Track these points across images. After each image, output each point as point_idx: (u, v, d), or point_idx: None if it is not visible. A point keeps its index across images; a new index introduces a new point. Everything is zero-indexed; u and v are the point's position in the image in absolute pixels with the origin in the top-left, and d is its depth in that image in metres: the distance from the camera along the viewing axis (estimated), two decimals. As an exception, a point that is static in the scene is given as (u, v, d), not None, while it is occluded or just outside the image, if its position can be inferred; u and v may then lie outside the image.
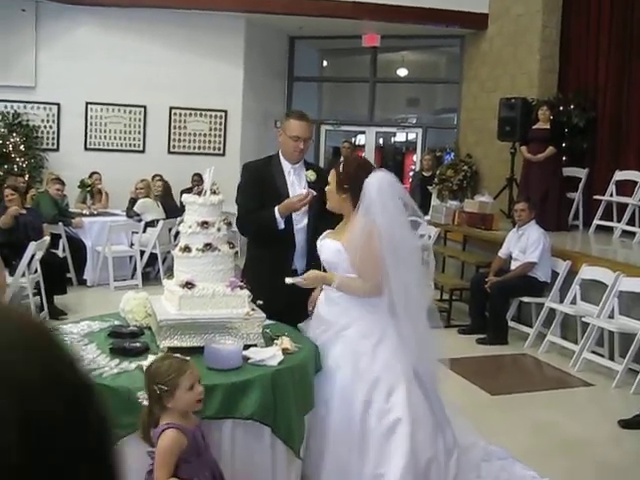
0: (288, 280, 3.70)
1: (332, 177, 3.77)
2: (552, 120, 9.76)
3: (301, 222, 4.47)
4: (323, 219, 4.29)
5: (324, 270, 3.86)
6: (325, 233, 3.82)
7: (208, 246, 3.54)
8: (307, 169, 4.54)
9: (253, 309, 3.54)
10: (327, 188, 3.81)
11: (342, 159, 3.98)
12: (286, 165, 4.53)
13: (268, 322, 3.66)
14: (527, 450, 4.76)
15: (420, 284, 3.76)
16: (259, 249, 4.54)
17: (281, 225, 4.34)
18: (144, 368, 3.09)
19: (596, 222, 9.78)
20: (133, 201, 10.75)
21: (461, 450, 3.83)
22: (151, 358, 3.19)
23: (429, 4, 11.61)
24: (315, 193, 4.27)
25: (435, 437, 3.62)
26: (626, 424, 5.39)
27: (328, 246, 3.72)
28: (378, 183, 3.60)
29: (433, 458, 3.56)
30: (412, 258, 3.71)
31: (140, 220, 10.11)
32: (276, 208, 4.30)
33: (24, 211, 8.24)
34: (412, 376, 3.60)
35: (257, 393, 3.08)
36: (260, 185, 4.48)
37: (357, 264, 3.59)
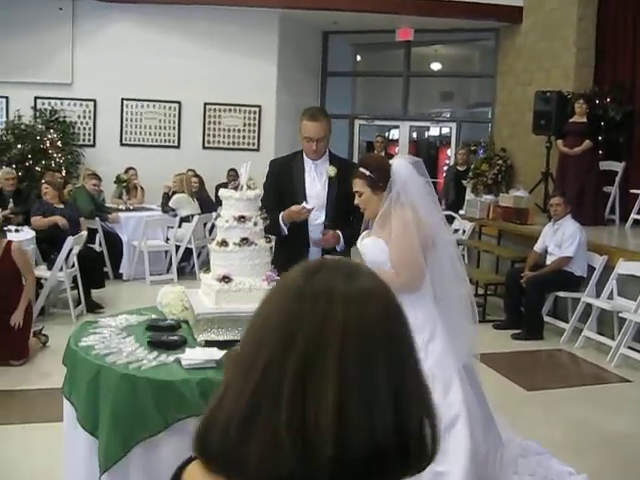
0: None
1: (360, 185, 3.70)
2: (589, 114, 9.65)
3: (318, 219, 4.50)
4: (342, 216, 4.39)
5: None
6: (364, 234, 3.79)
7: (245, 240, 3.57)
8: (330, 163, 4.57)
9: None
10: (359, 199, 3.74)
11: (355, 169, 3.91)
12: (307, 161, 4.57)
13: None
14: (563, 446, 4.73)
15: (457, 276, 3.74)
16: (278, 245, 4.58)
17: (284, 232, 4.40)
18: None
19: (633, 216, 9.67)
20: (166, 196, 10.85)
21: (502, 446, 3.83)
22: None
23: (463, -2, 11.56)
24: (311, 208, 4.34)
25: (487, 432, 3.61)
26: None
27: (371, 246, 3.67)
28: (401, 168, 3.62)
29: (489, 453, 3.55)
30: (447, 246, 3.69)
31: (175, 215, 10.20)
32: (281, 214, 4.38)
33: (62, 205, 8.36)
34: (463, 373, 3.57)
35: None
36: (280, 182, 4.54)
37: (393, 257, 3.56)
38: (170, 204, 10.40)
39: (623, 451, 4.89)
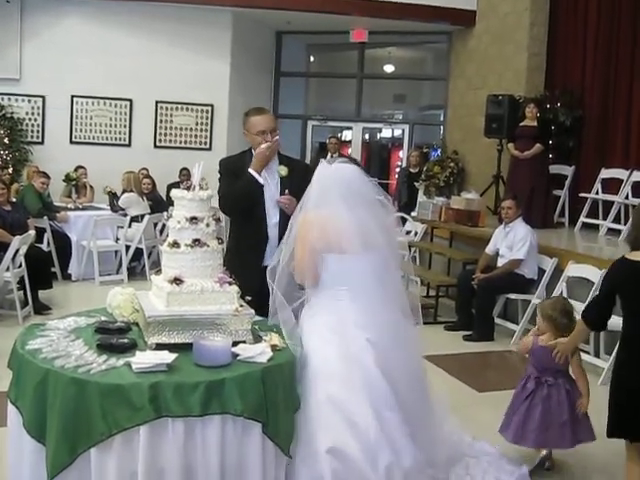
0: None
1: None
2: (539, 118, 9.78)
3: (274, 218, 4.51)
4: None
5: None
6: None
7: (197, 242, 3.52)
8: (280, 163, 4.56)
9: (242, 305, 3.52)
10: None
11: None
12: None
13: (257, 318, 3.64)
14: (513, 447, 4.76)
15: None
16: (235, 240, 4.57)
17: (260, 180, 4.43)
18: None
19: (582, 219, 9.83)
20: (112, 195, 10.72)
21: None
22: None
23: (417, 0, 11.61)
24: (276, 139, 4.45)
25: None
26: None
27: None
28: (327, 168, 3.69)
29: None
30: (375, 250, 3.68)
31: (125, 215, 10.05)
32: (249, 169, 4.41)
33: (9, 207, 8.15)
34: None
35: (247, 390, 3.06)
36: (235, 179, 4.52)
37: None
38: (120, 203, 10.25)
39: (572, 450, 4.95)
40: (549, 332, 4.48)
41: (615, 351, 4.14)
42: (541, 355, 4.45)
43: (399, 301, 3.75)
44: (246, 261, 4.10)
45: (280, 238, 4.45)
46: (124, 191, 10.45)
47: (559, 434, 4.37)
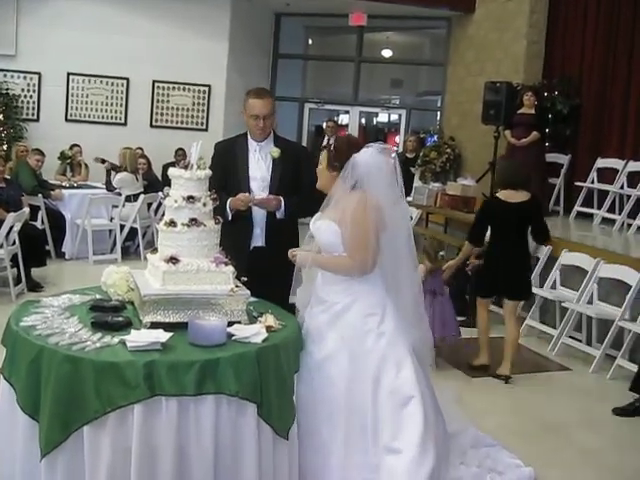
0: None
1: (323, 157, 3.73)
2: (537, 106, 9.76)
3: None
4: (287, 196, 4.43)
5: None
6: (316, 216, 3.76)
7: (193, 221, 3.50)
8: (275, 145, 4.56)
9: (237, 286, 3.51)
10: (318, 168, 3.77)
11: (331, 138, 3.94)
12: (252, 143, 4.57)
13: (252, 299, 3.63)
14: (505, 432, 4.79)
15: (410, 262, 3.75)
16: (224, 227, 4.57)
17: (229, 217, 4.39)
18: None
19: (577, 208, 9.84)
20: (109, 173, 10.69)
21: (450, 435, 3.86)
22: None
23: (418, -16, 11.58)
24: (255, 201, 4.40)
25: (437, 413, 3.65)
26: (622, 412, 5.42)
27: (325, 228, 3.63)
28: (366, 157, 3.59)
29: (440, 433, 3.59)
30: (402, 234, 3.69)
31: (119, 194, 10.02)
32: (229, 200, 4.38)
33: (3, 184, 8.11)
34: (413, 353, 3.61)
35: (242, 370, 3.05)
36: (224, 164, 4.51)
37: (347, 240, 3.54)
38: (114, 183, 10.21)
39: (562, 438, 4.98)
40: (426, 261, 6.32)
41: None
42: (434, 278, 6.41)
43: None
44: (234, 243, 4.08)
45: (268, 220, 4.48)
46: (115, 167, 10.40)
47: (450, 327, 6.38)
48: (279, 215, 4.47)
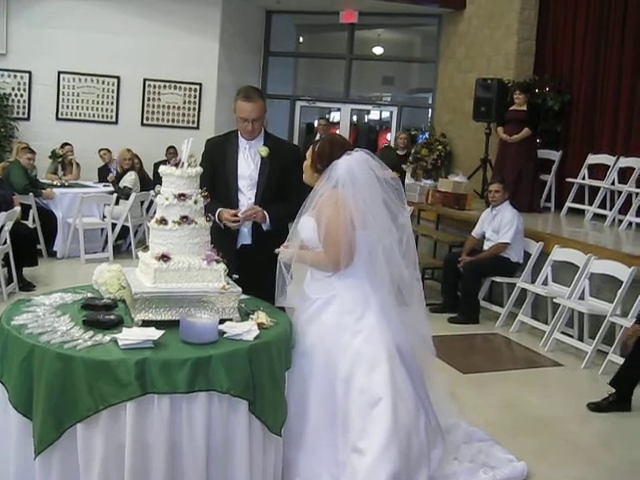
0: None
1: (309, 154, 3.80)
2: (529, 102, 9.78)
3: (249, 199, 4.49)
4: (275, 195, 4.41)
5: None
6: (300, 211, 3.79)
7: (184, 219, 3.50)
8: (265, 143, 4.54)
9: (229, 283, 3.51)
10: (305, 162, 3.83)
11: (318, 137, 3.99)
12: (242, 141, 4.54)
13: (243, 296, 3.63)
14: (497, 428, 4.80)
15: (397, 262, 3.75)
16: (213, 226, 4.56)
17: (221, 226, 4.37)
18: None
19: (568, 204, 9.87)
20: (103, 170, 10.71)
21: (444, 432, 3.87)
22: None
23: (408, -18, 11.58)
24: (243, 218, 4.36)
25: (417, 414, 3.64)
26: (596, 407, 5.44)
27: (305, 224, 3.70)
28: (346, 163, 3.64)
29: (414, 434, 3.58)
30: (385, 234, 3.70)
31: (128, 196, 9.95)
32: (218, 210, 4.35)
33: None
34: (395, 352, 3.61)
35: (233, 367, 3.06)
36: (213, 161, 4.49)
37: (321, 236, 3.62)
38: (128, 184, 10.21)
39: (554, 434, 5.00)
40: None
41: None
42: None
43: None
44: (221, 242, 4.06)
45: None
46: (124, 170, 10.46)
47: None
48: (265, 227, 4.44)
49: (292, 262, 3.72)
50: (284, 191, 4.43)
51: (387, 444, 3.46)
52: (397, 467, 3.46)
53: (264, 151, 4.49)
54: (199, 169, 3.63)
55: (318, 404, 3.54)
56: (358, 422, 3.51)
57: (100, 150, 11.28)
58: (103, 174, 11.07)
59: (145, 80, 12.63)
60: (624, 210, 9.00)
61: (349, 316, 3.63)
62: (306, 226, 3.69)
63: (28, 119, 12.32)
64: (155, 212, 3.67)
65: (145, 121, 12.81)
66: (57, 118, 12.50)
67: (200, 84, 12.79)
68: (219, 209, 4.37)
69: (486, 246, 7.97)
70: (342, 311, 3.63)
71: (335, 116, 15.06)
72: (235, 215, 4.37)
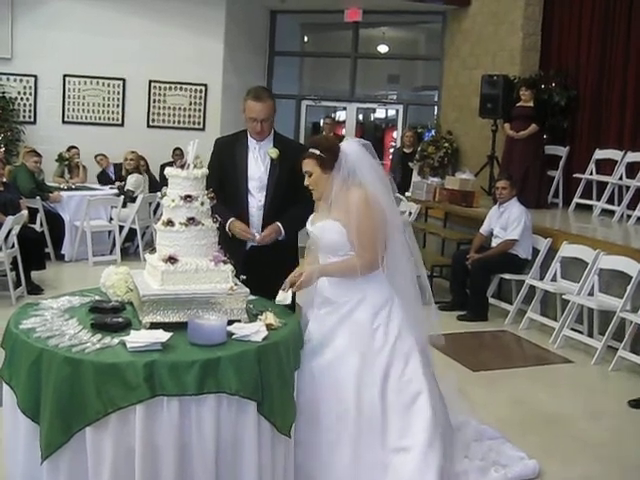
0: (279, 298, 3.65)
1: (310, 165, 3.64)
2: (535, 98, 9.75)
3: (259, 201, 4.47)
4: (282, 198, 4.37)
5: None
6: (312, 217, 3.73)
7: (191, 220, 3.48)
8: (275, 144, 4.50)
9: (236, 284, 3.50)
10: (309, 180, 3.67)
11: (309, 143, 3.89)
12: (252, 141, 4.51)
13: (251, 297, 3.62)
14: (507, 425, 4.79)
15: (409, 257, 3.74)
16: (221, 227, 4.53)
17: (229, 235, 4.35)
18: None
19: (576, 200, 9.84)
20: (102, 176, 10.75)
21: (454, 429, 3.86)
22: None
23: (412, -21, 11.55)
24: (255, 243, 4.36)
25: (443, 409, 3.65)
26: (636, 404, 5.42)
27: (329, 228, 3.58)
28: (354, 146, 3.60)
29: (447, 427, 3.59)
30: (399, 228, 3.68)
31: (134, 199, 9.97)
32: (230, 220, 4.34)
33: (1, 188, 8.10)
34: (417, 347, 3.61)
35: (242, 369, 3.04)
36: (223, 161, 4.48)
37: (355, 239, 3.51)
38: (131, 187, 10.22)
39: (564, 431, 4.98)
40: None
41: None
42: None
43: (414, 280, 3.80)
44: (230, 243, 4.05)
45: (265, 220, 4.44)
46: (128, 172, 10.47)
47: None
48: (281, 239, 4.42)
49: (314, 281, 3.64)
50: (293, 193, 4.39)
51: (431, 439, 3.45)
52: (442, 460, 3.46)
53: (274, 153, 4.45)
54: (205, 170, 3.62)
55: (357, 408, 3.48)
56: (398, 422, 3.48)
57: (96, 156, 11.31)
58: (102, 180, 11.11)
59: (150, 82, 12.64)
60: (632, 205, 8.96)
61: (380, 315, 3.58)
62: (331, 230, 3.57)
63: (34, 123, 12.34)
64: (162, 214, 3.66)
65: (151, 123, 12.82)
66: (63, 121, 12.52)
67: (205, 85, 12.79)
68: (231, 219, 4.35)
69: (494, 243, 7.95)
70: (373, 312, 3.58)
71: (341, 115, 15.04)
72: (247, 231, 4.37)
